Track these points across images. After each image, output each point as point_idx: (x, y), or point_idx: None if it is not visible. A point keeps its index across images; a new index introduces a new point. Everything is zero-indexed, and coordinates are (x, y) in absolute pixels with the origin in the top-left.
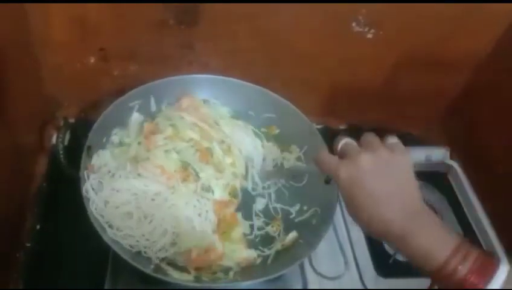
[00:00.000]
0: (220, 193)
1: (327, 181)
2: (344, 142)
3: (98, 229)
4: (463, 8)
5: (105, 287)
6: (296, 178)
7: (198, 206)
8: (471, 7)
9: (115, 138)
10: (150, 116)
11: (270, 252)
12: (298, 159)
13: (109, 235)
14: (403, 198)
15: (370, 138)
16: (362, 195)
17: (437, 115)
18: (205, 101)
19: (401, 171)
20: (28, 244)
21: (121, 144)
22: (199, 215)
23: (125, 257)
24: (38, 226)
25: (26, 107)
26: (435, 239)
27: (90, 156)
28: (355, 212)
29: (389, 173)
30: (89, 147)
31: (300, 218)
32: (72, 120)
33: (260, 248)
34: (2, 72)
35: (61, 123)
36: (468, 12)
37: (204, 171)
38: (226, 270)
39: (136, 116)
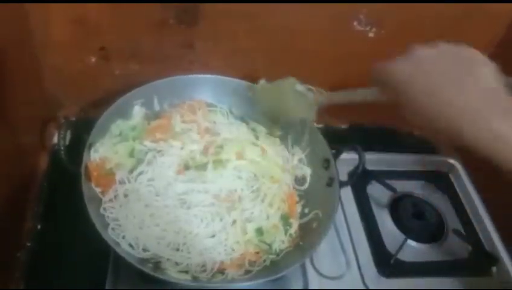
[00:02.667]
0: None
1: (329, 184)
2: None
3: (99, 228)
4: (464, 8)
5: (106, 287)
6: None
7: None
8: (472, 7)
9: (115, 129)
10: (153, 115)
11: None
12: (300, 160)
13: (109, 235)
14: (479, 81)
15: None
16: (428, 83)
17: None
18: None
19: (470, 57)
20: (29, 244)
21: (121, 134)
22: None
23: (124, 255)
24: (38, 226)
25: (27, 106)
26: None
27: (91, 154)
28: (420, 108)
29: (455, 58)
30: (90, 145)
31: (301, 221)
32: (72, 119)
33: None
34: (3, 72)
35: (62, 122)
36: (469, 12)
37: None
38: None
39: (137, 109)
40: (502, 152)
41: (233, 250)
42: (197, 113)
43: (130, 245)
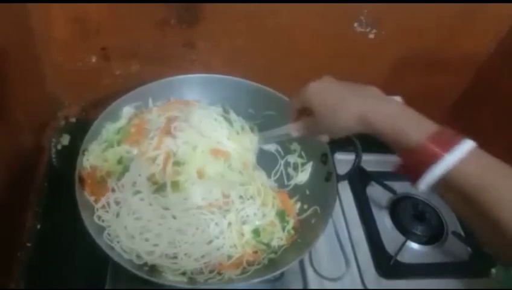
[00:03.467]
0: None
1: (327, 179)
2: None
3: (93, 234)
4: (465, 9)
5: (106, 287)
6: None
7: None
8: (472, 8)
9: (104, 133)
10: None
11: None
12: (300, 156)
13: (104, 240)
14: (367, 91)
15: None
16: (330, 96)
17: (438, 115)
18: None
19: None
20: (29, 244)
21: (107, 140)
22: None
23: (119, 260)
24: (38, 226)
25: (27, 106)
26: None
27: (83, 161)
28: (323, 113)
29: (352, 86)
30: (84, 151)
31: (300, 217)
32: (73, 119)
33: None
34: (4, 72)
35: (62, 123)
36: (469, 13)
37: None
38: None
39: (126, 110)
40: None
41: (231, 253)
42: (175, 109)
43: (125, 251)
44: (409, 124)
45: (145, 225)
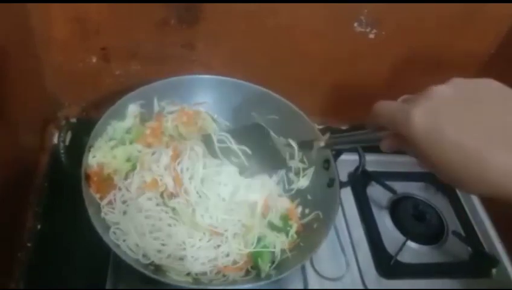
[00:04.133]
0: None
1: (329, 185)
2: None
3: (100, 231)
4: (465, 9)
5: (106, 287)
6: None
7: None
8: (473, 8)
9: (110, 131)
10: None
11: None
12: (301, 161)
13: (110, 237)
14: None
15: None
16: (455, 136)
17: None
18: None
19: (495, 92)
20: (29, 244)
21: (116, 138)
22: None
23: (125, 258)
24: (39, 226)
25: (28, 106)
26: None
27: (89, 158)
28: (450, 168)
29: (481, 98)
30: (90, 147)
31: (302, 221)
32: (73, 120)
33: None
34: (4, 72)
35: (63, 123)
36: (470, 13)
37: None
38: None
39: (132, 108)
40: None
41: (237, 259)
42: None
43: (131, 249)
44: None
45: (155, 223)
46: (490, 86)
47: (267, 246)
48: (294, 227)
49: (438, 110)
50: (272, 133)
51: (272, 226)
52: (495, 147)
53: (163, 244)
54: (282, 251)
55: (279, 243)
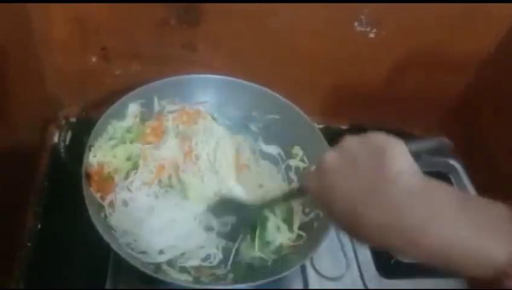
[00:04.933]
0: None
1: None
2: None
3: (100, 231)
4: (465, 9)
5: (106, 287)
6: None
7: None
8: (473, 7)
9: (110, 130)
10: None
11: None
12: (301, 160)
13: (111, 237)
14: (387, 187)
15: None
16: (337, 201)
17: (439, 115)
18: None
19: (377, 155)
20: (29, 244)
21: (116, 137)
22: None
23: (126, 257)
24: (39, 226)
25: (28, 106)
26: (463, 225)
27: (90, 157)
28: (340, 224)
29: (363, 164)
30: (91, 147)
31: (302, 220)
32: (73, 119)
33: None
34: (4, 72)
35: (63, 122)
36: (470, 12)
37: None
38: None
39: (132, 108)
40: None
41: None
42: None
43: (132, 248)
44: (488, 237)
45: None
46: (373, 142)
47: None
48: (297, 222)
49: (324, 179)
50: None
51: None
52: (366, 207)
53: (172, 246)
54: (282, 248)
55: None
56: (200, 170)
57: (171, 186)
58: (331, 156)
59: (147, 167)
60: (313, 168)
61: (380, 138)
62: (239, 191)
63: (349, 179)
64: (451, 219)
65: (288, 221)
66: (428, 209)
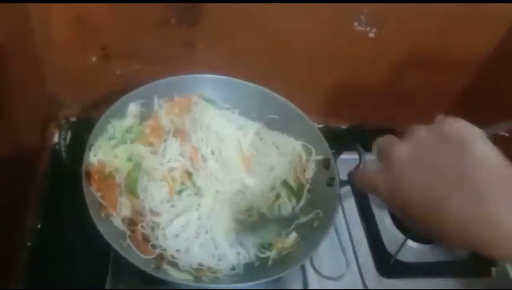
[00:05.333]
0: None
1: (330, 183)
2: (377, 143)
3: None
4: (465, 8)
5: (106, 287)
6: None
7: None
8: (473, 7)
9: (110, 129)
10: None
11: (270, 254)
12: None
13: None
14: (469, 178)
15: (411, 128)
16: (415, 193)
17: (439, 114)
18: (207, 100)
19: (453, 145)
20: (29, 244)
21: (116, 137)
22: None
23: (127, 257)
24: (39, 226)
25: (28, 106)
26: None
27: (90, 156)
28: (418, 220)
29: (440, 154)
30: (91, 146)
31: (302, 220)
32: (73, 119)
33: (261, 249)
34: (4, 71)
35: (63, 122)
36: (470, 11)
37: None
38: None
39: (132, 107)
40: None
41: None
42: (186, 113)
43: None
44: None
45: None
46: (448, 132)
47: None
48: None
49: (397, 174)
50: None
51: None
52: (448, 198)
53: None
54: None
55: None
56: (211, 172)
57: (185, 188)
58: (402, 148)
59: (157, 183)
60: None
61: (456, 128)
62: (253, 184)
63: (427, 171)
64: None
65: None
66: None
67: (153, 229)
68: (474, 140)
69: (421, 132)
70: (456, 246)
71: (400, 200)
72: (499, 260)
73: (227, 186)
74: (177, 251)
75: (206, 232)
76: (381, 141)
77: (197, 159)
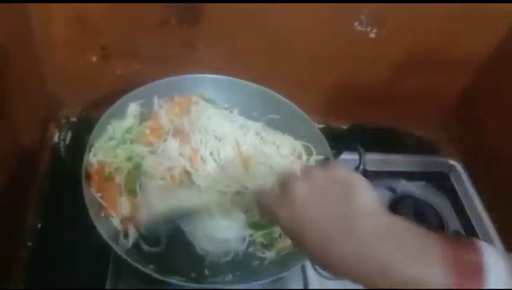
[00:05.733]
0: None
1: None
2: (281, 174)
3: (100, 230)
4: (465, 8)
5: (106, 287)
6: None
7: None
8: (473, 7)
9: (110, 129)
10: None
11: (270, 254)
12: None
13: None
14: (354, 224)
15: (306, 166)
16: (307, 231)
17: (439, 114)
18: (207, 100)
19: (344, 191)
20: (29, 244)
21: (115, 137)
22: None
23: (126, 256)
24: (39, 225)
25: (28, 106)
26: (418, 262)
27: (90, 157)
28: (310, 254)
29: (331, 197)
30: (91, 146)
31: None
32: (73, 119)
33: (261, 249)
34: (4, 71)
35: (63, 122)
36: (470, 12)
37: None
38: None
39: (132, 107)
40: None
41: None
42: (186, 113)
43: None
44: (420, 259)
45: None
46: (338, 178)
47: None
48: None
49: (295, 209)
50: None
51: None
52: (335, 240)
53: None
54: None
55: None
56: (210, 173)
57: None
58: (300, 186)
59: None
60: (272, 188)
61: (344, 175)
62: (252, 186)
63: (319, 211)
64: (410, 253)
65: None
66: (392, 245)
67: None
68: (359, 189)
69: (318, 173)
70: (342, 278)
71: (296, 234)
72: None
73: (227, 187)
74: None
75: None
76: (285, 174)
77: (196, 161)
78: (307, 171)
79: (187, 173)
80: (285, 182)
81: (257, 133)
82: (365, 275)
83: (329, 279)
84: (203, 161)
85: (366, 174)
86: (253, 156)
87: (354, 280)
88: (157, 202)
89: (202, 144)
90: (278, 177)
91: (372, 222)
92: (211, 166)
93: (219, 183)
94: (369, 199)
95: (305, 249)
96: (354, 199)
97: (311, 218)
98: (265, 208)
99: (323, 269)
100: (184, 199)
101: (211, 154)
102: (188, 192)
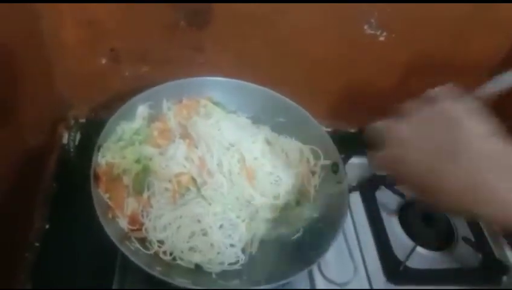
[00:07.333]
0: None
1: (335, 170)
2: (372, 127)
3: (107, 230)
4: (476, 10)
5: (113, 287)
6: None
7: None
8: (483, 8)
9: (119, 131)
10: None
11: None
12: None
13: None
14: (463, 151)
15: (411, 105)
16: (413, 166)
17: None
18: (216, 103)
19: (445, 123)
20: (37, 244)
21: (124, 138)
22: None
23: (133, 258)
24: (47, 226)
25: (37, 107)
26: None
27: (99, 158)
28: (416, 188)
29: (433, 131)
30: (100, 147)
31: (310, 225)
32: (82, 120)
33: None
34: (14, 73)
35: (72, 123)
36: (481, 13)
37: None
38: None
39: (141, 109)
40: None
41: None
42: (194, 115)
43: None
44: None
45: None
46: (439, 110)
47: None
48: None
49: (397, 148)
50: None
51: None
52: (443, 170)
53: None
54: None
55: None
56: (217, 184)
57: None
58: (402, 127)
59: (162, 183)
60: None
61: (445, 107)
62: (258, 199)
63: (427, 146)
64: None
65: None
66: (504, 172)
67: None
68: (462, 116)
69: (416, 110)
70: (454, 213)
71: (405, 173)
72: (495, 222)
73: (234, 200)
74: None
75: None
76: (379, 124)
77: (204, 171)
78: (402, 112)
79: (194, 180)
80: (384, 131)
81: (266, 140)
82: (472, 205)
83: (337, 284)
84: (211, 174)
85: (375, 178)
86: (260, 166)
87: (460, 213)
88: (166, 210)
89: (209, 153)
90: (369, 132)
91: (480, 148)
92: (218, 180)
93: (227, 197)
94: (473, 124)
95: (414, 186)
96: (458, 128)
97: (420, 152)
98: (376, 166)
99: (435, 206)
100: (192, 210)
101: (218, 165)
102: (196, 203)
